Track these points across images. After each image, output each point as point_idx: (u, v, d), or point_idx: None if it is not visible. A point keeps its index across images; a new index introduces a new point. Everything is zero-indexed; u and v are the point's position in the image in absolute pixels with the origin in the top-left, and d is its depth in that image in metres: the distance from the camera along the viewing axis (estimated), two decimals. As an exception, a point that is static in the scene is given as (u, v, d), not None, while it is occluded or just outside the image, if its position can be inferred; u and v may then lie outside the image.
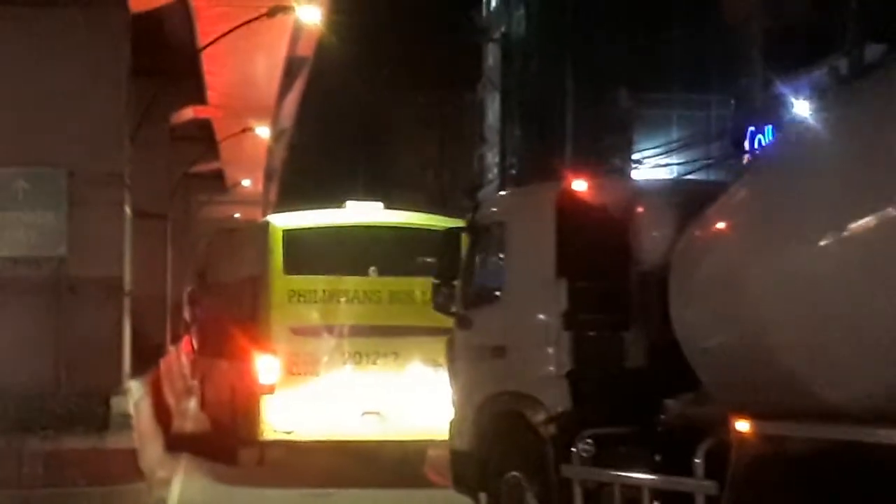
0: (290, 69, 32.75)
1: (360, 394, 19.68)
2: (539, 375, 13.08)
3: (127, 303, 20.80)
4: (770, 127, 32.05)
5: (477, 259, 14.42)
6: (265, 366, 19.70)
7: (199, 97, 32.22)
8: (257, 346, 20.01)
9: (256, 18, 24.51)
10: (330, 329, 19.81)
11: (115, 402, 18.63)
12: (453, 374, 14.98)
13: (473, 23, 58.56)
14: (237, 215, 54.66)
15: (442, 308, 14.86)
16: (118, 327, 20.42)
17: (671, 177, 32.39)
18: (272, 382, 19.59)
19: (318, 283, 19.98)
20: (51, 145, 19.87)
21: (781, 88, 32.25)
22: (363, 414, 19.69)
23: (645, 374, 12.24)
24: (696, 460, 10.80)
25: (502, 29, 54.93)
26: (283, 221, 20.80)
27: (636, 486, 11.62)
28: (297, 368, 19.67)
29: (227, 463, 20.79)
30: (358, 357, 19.82)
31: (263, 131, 37.39)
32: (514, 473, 13.20)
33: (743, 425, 10.35)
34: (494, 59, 57.19)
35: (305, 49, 32.16)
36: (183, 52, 27.46)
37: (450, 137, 63.31)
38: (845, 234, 9.22)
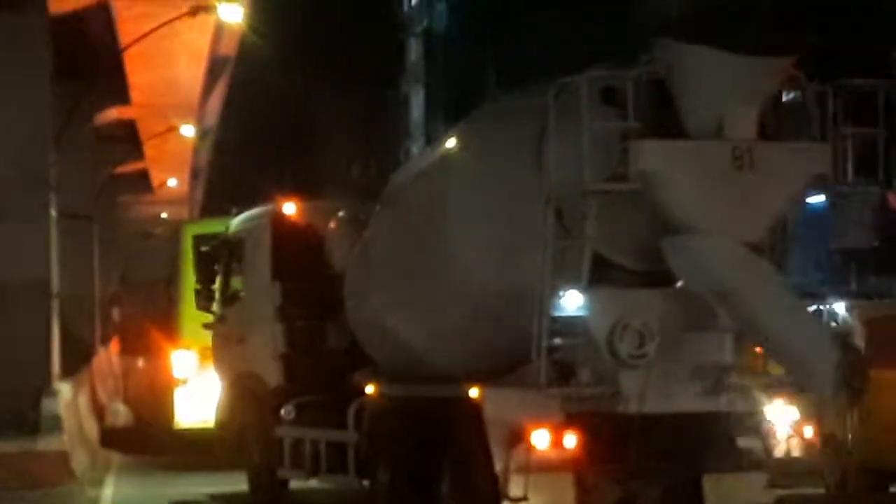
0: (214, 68, 32.75)
1: None
2: (263, 358, 16.53)
3: (55, 304, 20.80)
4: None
5: (228, 267, 17.60)
6: (179, 360, 20.79)
7: (122, 97, 32.16)
8: (172, 342, 21.01)
9: (178, 18, 24.52)
10: None
11: (46, 403, 18.62)
12: (215, 362, 18.18)
13: (395, 17, 58.69)
14: (164, 215, 54.45)
15: (204, 308, 17.97)
16: (47, 329, 20.42)
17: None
18: (186, 376, 20.63)
19: None
20: (-27, 149, 19.82)
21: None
22: None
23: (342, 354, 15.30)
24: (349, 416, 14.50)
25: (424, 23, 55.09)
26: (195, 226, 21.93)
27: (317, 439, 15.15)
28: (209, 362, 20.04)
29: (152, 454, 21.04)
30: None
31: (188, 130, 37.32)
32: (251, 435, 16.60)
33: (369, 388, 14.27)
34: (417, 54, 57.38)
35: (228, 48, 32.19)
36: (105, 52, 27.42)
37: (376, 132, 63.39)
38: (434, 246, 12.75)
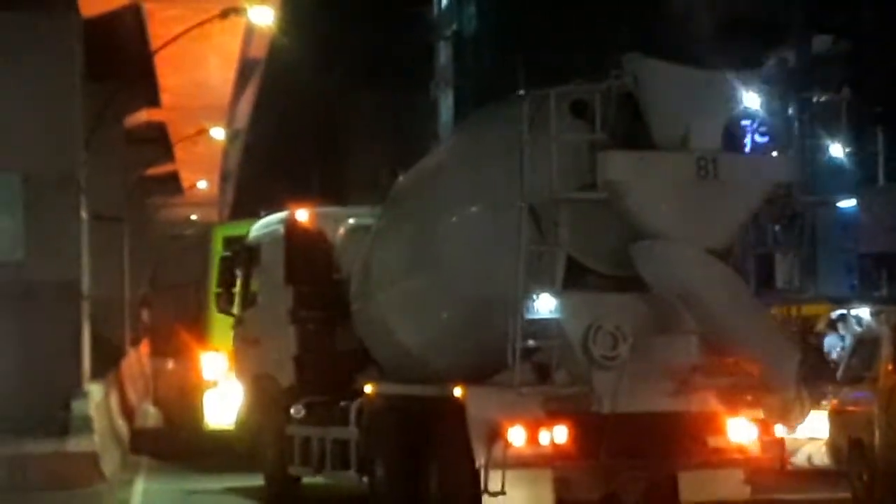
0: (244, 70, 32.80)
1: None
2: (276, 359, 17.15)
3: (86, 306, 20.86)
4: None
5: (247, 272, 18.30)
6: (209, 362, 21.04)
7: (153, 100, 32.22)
8: (202, 344, 21.21)
9: (208, 20, 24.57)
10: None
11: (76, 405, 18.67)
12: (235, 363, 18.89)
13: (425, 21, 58.71)
14: (194, 217, 54.57)
15: (225, 311, 18.76)
16: (77, 330, 20.46)
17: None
18: (215, 378, 20.89)
19: None
20: (4, 150, 19.90)
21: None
22: None
23: (350, 355, 15.75)
24: (350, 414, 15.13)
25: (454, 27, 55.08)
26: (226, 228, 22.40)
27: (323, 437, 15.79)
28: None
29: (182, 456, 21.10)
30: None
31: (218, 133, 37.39)
32: (266, 434, 17.28)
33: (368, 387, 14.91)
34: (446, 57, 57.37)
35: (258, 50, 32.23)
36: (136, 55, 27.47)
37: (405, 136, 63.41)
38: (431, 253, 13.41)
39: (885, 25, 28.94)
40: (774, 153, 12.70)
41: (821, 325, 18.84)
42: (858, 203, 30.58)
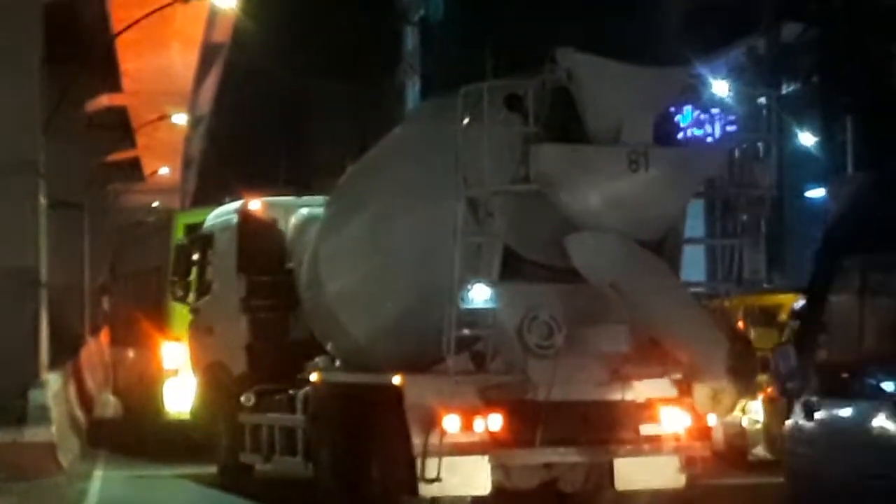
0: (207, 55, 32.51)
1: None
2: (229, 348, 17.32)
3: (44, 294, 20.53)
4: (689, 108, 32.14)
5: (202, 261, 18.35)
6: (169, 351, 20.84)
7: (114, 84, 31.92)
8: (162, 333, 21.09)
9: (170, 4, 24.24)
10: None
11: (33, 394, 18.44)
12: (190, 352, 18.90)
13: (393, 5, 58.45)
14: (156, 204, 54.18)
15: (180, 299, 18.88)
16: (35, 319, 20.16)
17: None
18: (176, 367, 20.65)
19: None
20: (-40, 134, 19.56)
21: (700, 69, 32.35)
22: None
23: (302, 344, 15.78)
24: (297, 402, 15.36)
25: (421, 12, 54.83)
26: (187, 215, 21.89)
27: (272, 425, 16.00)
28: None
29: (141, 445, 20.96)
30: None
31: (180, 118, 37.05)
32: (219, 422, 17.43)
33: (314, 376, 15.04)
34: (413, 43, 57.12)
35: (221, 35, 31.94)
36: (97, 39, 27.14)
37: (372, 122, 63.12)
38: (376, 244, 13.67)
39: (854, 13, 28.86)
40: (707, 146, 13.21)
41: (783, 315, 18.77)
42: (827, 192, 30.49)
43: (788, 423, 10.17)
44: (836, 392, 9.57)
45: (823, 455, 9.65)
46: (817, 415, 9.68)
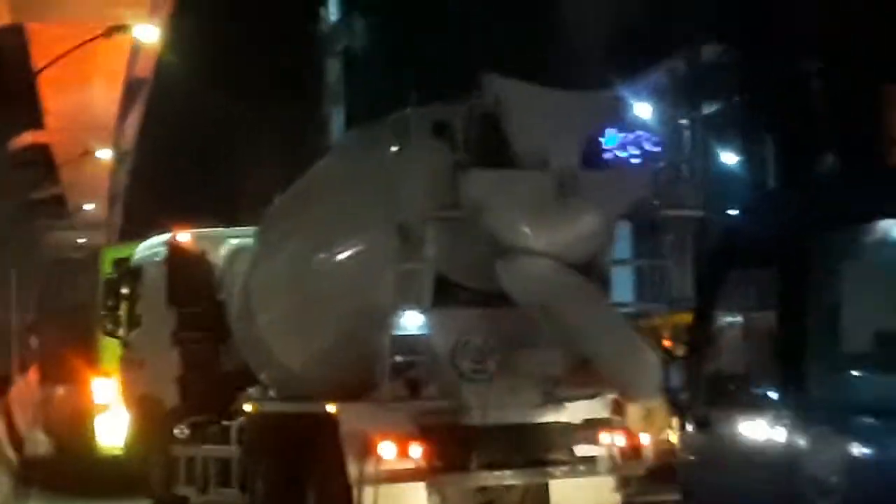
0: (131, 90, 32.36)
1: None
2: (161, 380, 17.31)
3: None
4: (613, 130, 32.35)
5: (131, 294, 18.43)
6: (100, 387, 21.02)
7: (36, 121, 31.66)
8: (92, 368, 21.33)
9: (93, 39, 24.13)
10: None
11: (-38, 435, 18.22)
12: (122, 385, 19.01)
13: (315, 37, 58.45)
14: (82, 240, 53.77)
15: (110, 333, 18.95)
16: (-40, 359, 19.94)
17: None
18: (107, 402, 20.81)
19: None
20: None
21: (623, 91, 32.62)
22: None
23: (234, 375, 15.78)
24: (232, 433, 15.39)
25: (344, 43, 54.85)
26: (114, 250, 21.92)
27: (206, 456, 16.09)
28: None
29: (73, 482, 20.78)
30: None
31: (105, 154, 36.84)
32: (152, 455, 17.42)
33: (247, 406, 15.19)
34: (336, 74, 57.11)
35: (145, 69, 31.83)
36: (18, 75, 26.94)
37: (299, 153, 62.97)
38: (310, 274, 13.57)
39: (773, 32, 29.22)
40: (633, 169, 13.39)
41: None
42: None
43: (680, 434, 10.37)
44: (724, 403, 9.78)
45: (713, 464, 9.83)
46: (707, 426, 9.87)
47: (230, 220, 21.56)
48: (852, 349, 9.11)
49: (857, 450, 8.72)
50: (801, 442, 9.00)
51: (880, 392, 8.82)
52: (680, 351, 17.11)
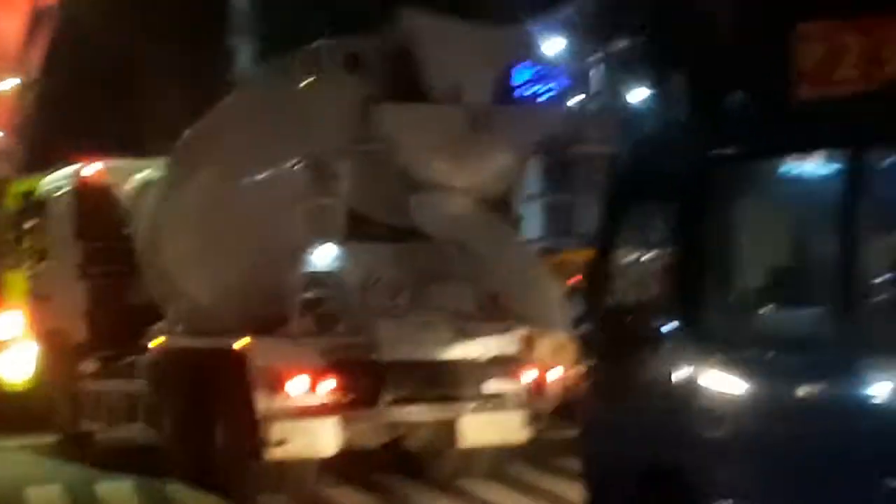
0: (35, 18, 31.79)
1: None
2: (68, 315, 17.88)
3: None
4: (524, 66, 32.29)
5: (37, 227, 18.82)
6: (5, 321, 20.89)
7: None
8: None
9: (-4, -34, 23.62)
10: None
11: None
12: (29, 319, 19.51)
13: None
14: (-14, 172, 52.93)
15: (14, 267, 19.43)
16: None
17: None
18: (13, 336, 20.79)
19: None
20: None
21: (533, 26, 32.56)
22: None
23: (143, 309, 16.30)
24: (138, 368, 15.90)
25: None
26: (20, 183, 22.02)
27: (112, 391, 16.60)
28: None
29: None
30: None
31: (9, 84, 36.22)
32: (59, 390, 17.89)
33: (154, 341, 15.74)
34: (243, 6, 56.48)
35: (50, -3, 31.25)
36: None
37: (205, 86, 62.30)
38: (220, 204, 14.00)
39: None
40: (544, 105, 13.54)
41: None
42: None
43: (579, 367, 10.56)
44: (623, 337, 10.02)
45: (611, 399, 10.12)
46: (605, 361, 10.06)
47: (139, 152, 21.32)
48: (749, 284, 9.27)
49: (752, 382, 8.88)
50: (698, 376, 9.15)
51: (775, 326, 8.99)
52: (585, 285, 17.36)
